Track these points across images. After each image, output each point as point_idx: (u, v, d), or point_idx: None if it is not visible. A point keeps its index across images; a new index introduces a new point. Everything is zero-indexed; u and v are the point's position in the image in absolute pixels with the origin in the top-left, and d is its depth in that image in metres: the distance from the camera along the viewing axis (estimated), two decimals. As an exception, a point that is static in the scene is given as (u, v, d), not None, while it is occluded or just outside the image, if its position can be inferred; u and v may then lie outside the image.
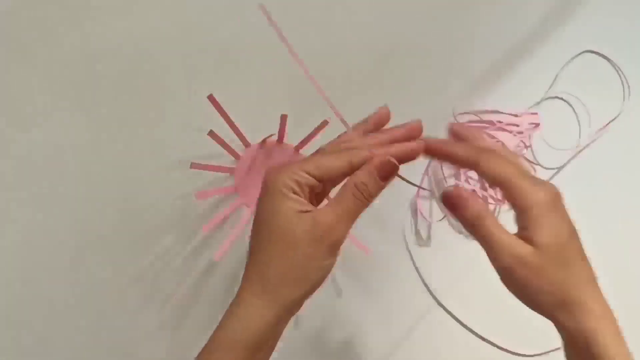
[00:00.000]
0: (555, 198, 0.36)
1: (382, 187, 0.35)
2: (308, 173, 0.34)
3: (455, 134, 0.40)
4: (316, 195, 0.37)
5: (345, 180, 0.35)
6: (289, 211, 0.34)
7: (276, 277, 0.34)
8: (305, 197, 0.35)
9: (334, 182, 0.36)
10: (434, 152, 0.38)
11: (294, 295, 0.34)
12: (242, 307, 0.34)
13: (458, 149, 0.38)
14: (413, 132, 0.39)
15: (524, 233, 0.36)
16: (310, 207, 0.34)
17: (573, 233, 0.37)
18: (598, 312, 0.36)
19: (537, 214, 0.35)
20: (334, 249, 0.34)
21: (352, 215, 0.34)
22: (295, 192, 0.34)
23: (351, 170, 0.35)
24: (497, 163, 0.36)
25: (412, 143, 0.38)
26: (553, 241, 0.35)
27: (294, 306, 0.35)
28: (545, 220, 0.35)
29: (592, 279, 0.37)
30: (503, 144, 0.57)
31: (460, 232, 0.58)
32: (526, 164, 0.39)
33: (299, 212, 0.34)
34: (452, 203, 0.37)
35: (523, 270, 0.36)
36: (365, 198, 0.35)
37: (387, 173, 0.35)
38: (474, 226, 0.36)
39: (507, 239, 0.36)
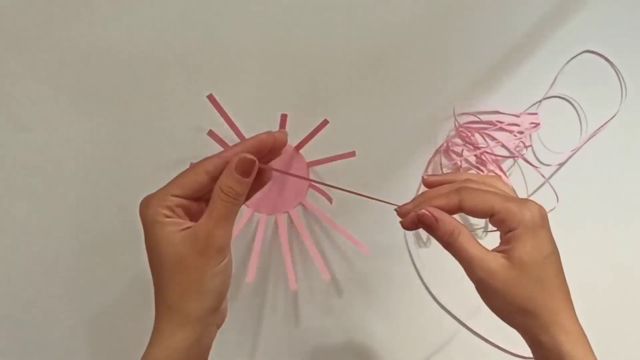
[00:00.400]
0: (540, 217, 0.38)
1: (248, 184, 0.37)
2: (174, 195, 0.36)
3: (431, 184, 0.42)
4: (200, 209, 0.38)
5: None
6: (169, 235, 0.35)
7: (177, 297, 0.35)
8: (181, 216, 0.36)
9: (203, 195, 0.37)
10: (423, 219, 0.39)
11: (201, 308, 0.36)
12: (160, 336, 0.37)
13: (439, 202, 0.39)
14: (268, 140, 0.38)
15: (504, 248, 0.38)
16: (188, 223, 0.36)
17: (553, 252, 0.39)
18: (572, 330, 0.38)
19: (521, 232, 0.37)
20: (220, 253, 0.36)
21: (228, 218, 0.36)
22: (168, 217, 0.36)
23: (211, 179, 0.36)
24: (478, 196, 0.38)
25: (263, 134, 0.38)
26: (531, 257, 0.37)
27: (208, 317, 0.36)
28: (527, 238, 0.37)
29: (568, 299, 0.39)
30: (503, 144, 0.57)
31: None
32: (507, 185, 0.41)
33: (179, 231, 0.35)
34: (426, 223, 0.39)
35: (495, 282, 0.37)
36: (234, 198, 0.36)
37: (247, 168, 0.36)
38: (449, 244, 0.39)
39: (479, 254, 0.38)
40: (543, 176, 0.59)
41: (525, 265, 0.37)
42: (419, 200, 0.40)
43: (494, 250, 0.38)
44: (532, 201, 0.39)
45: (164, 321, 0.36)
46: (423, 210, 0.39)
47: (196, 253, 0.35)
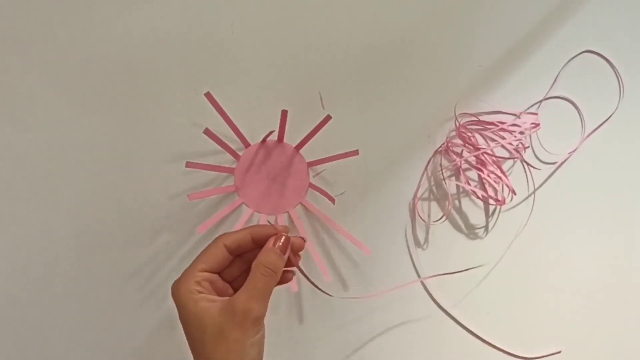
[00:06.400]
0: None
1: (284, 261, 0.41)
2: (201, 270, 0.40)
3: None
4: (224, 286, 0.43)
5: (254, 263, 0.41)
6: (206, 309, 0.38)
7: None
8: (209, 291, 0.40)
9: (224, 270, 0.42)
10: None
11: None
12: None
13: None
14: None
15: None
16: (218, 298, 0.39)
17: None
18: None
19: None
20: (257, 324, 0.39)
21: (265, 292, 0.39)
22: (200, 292, 0.39)
23: (229, 252, 0.41)
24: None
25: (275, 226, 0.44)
26: None
27: None
28: None
29: None
30: (503, 145, 0.57)
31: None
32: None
33: (214, 304, 0.38)
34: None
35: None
36: (273, 272, 0.40)
37: (284, 246, 0.42)
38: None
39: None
40: (543, 176, 0.59)
41: None
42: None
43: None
44: None
45: None
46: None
47: (235, 324, 0.38)
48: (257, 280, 0.39)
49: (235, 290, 0.41)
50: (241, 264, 0.43)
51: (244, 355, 0.38)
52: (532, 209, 0.59)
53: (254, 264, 0.40)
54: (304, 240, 0.44)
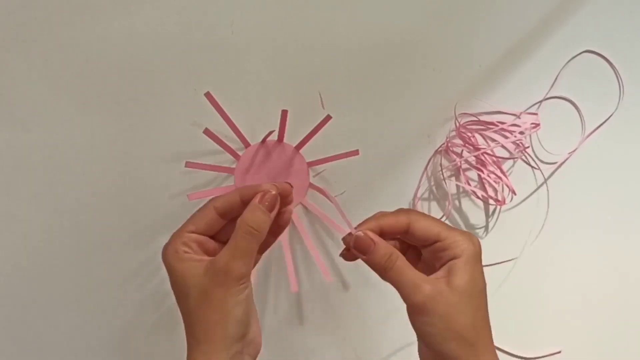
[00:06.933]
0: (480, 250, 0.40)
1: (269, 220, 0.40)
2: (189, 231, 0.39)
3: (357, 245, 0.41)
4: (216, 247, 0.41)
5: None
6: (190, 268, 0.38)
7: (203, 328, 0.37)
8: (198, 252, 0.39)
9: (217, 233, 0.41)
10: (359, 242, 0.40)
11: (225, 337, 0.37)
12: None
13: (388, 219, 0.40)
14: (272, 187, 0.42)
15: (443, 275, 0.39)
16: (204, 257, 0.39)
17: (485, 285, 0.40)
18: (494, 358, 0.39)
19: (463, 262, 0.38)
20: (240, 283, 0.38)
21: (247, 250, 0.38)
22: (186, 252, 0.39)
23: (220, 215, 0.40)
24: (427, 220, 0.40)
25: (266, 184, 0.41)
26: (471, 287, 0.38)
27: (233, 346, 0.38)
28: (468, 268, 0.38)
29: (490, 329, 0.40)
30: (503, 145, 0.57)
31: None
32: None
33: (199, 264, 0.38)
34: (363, 246, 0.39)
35: (437, 306, 0.37)
36: (256, 230, 0.38)
37: (270, 203, 0.40)
38: (388, 267, 0.39)
39: (421, 277, 0.38)
40: (543, 176, 0.59)
41: (465, 293, 0.38)
42: (366, 221, 0.41)
43: (432, 276, 0.39)
44: (472, 234, 0.40)
45: (193, 353, 0.38)
46: (359, 232, 0.40)
47: (217, 284, 0.37)
48: (239, 238, 0.38)
49: None
50: (234, 227, 0.42)
51: (227, 314, 0.37)
52: (532, 209, 0.59)
53: (237, 222, 0.38)
54: (290, 185, 0.42)
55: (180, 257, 0.38)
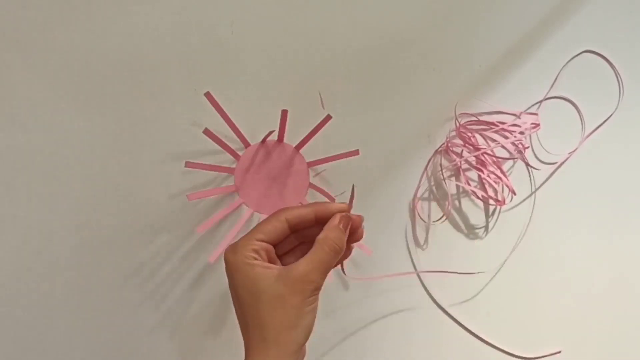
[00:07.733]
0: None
1: (345, 239, 0.42)
2: (258, 240, 0.40)
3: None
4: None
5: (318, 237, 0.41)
6: (263, 274, 0.39)
7: (275, 331, 0.38)
8: (264, 259, 0.40)
9: (280, 243, 0.43)
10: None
11: (296, 342, 0.39)
12: None
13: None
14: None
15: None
16: (270, 264, 0.40)
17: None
18: None
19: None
20: (315, 294, 0.40)
21: (327, 266, 0.40)
22: (256, 259, 0.40)
23: (290, 227, 0.42)
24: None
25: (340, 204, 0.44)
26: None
27: (298, 352, 0.39)
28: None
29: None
30: (503, 145, 0.57)
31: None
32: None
33: (270, 271, 0.39)
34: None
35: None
36: (339, 248, 0.41)
37: (346, 224, 0.42)
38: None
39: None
40: (543, 176, 0.59)
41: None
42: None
43: None
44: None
45: (259, 355, 0.38)
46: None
47: (295, 291, 0.38)
48: (323, 254, 0.40)
49: (284, 264, 0.42)
50: (294, 240, 0.44)
51: (300, 319, 0.39)
52: (532, 210, 0.59)
53: (320, 238, 0.41)
54: (361, 218, 0.44)
55: (251, 263, 0.39)
